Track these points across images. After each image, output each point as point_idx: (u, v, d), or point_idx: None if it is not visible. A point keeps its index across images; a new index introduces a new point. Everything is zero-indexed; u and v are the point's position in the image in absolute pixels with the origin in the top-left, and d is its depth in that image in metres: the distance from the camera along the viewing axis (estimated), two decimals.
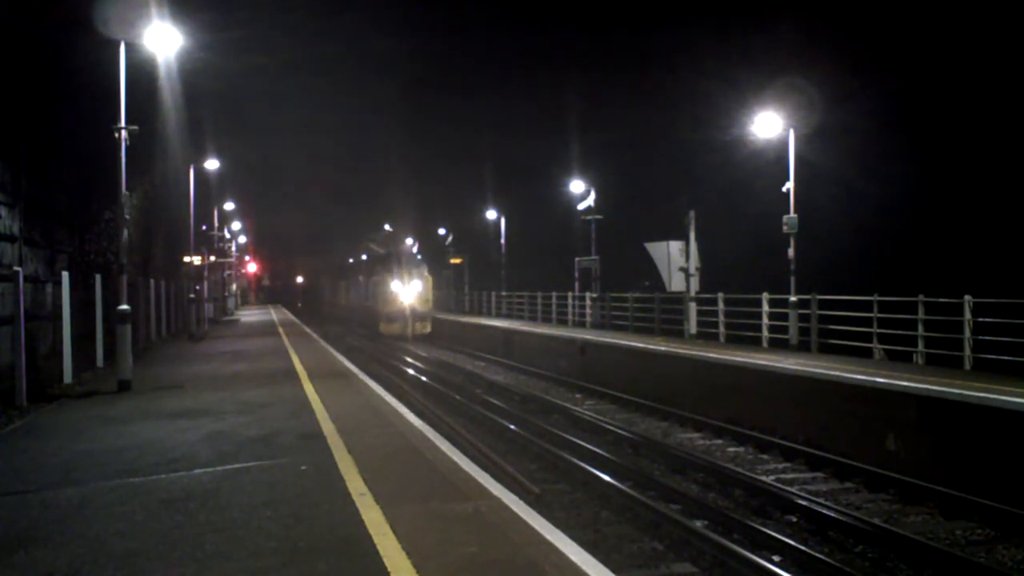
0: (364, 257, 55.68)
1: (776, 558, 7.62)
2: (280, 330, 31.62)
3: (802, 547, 7.81)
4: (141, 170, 21.79)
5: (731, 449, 12.68)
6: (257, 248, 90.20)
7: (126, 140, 13.65)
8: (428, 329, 37.11)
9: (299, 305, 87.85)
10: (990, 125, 32.52)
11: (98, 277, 16.78)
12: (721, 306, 20.54)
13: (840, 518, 8.66)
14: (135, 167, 16.94)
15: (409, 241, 51.77)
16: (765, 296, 19.34)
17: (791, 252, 19.45)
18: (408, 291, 36.71)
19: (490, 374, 23.26)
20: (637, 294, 25.47)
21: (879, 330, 16.00)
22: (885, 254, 32.64)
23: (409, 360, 27.55)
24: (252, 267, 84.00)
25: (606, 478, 10.22)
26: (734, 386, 15.03)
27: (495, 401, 17.30)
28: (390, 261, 38.30)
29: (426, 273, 38.28)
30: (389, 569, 4.78)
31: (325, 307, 68.52)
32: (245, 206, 62.90)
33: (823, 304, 18.07)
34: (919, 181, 33.56)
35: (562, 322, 30.08)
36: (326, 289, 69.94)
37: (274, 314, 51.79)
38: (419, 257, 42.24)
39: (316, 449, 8.20)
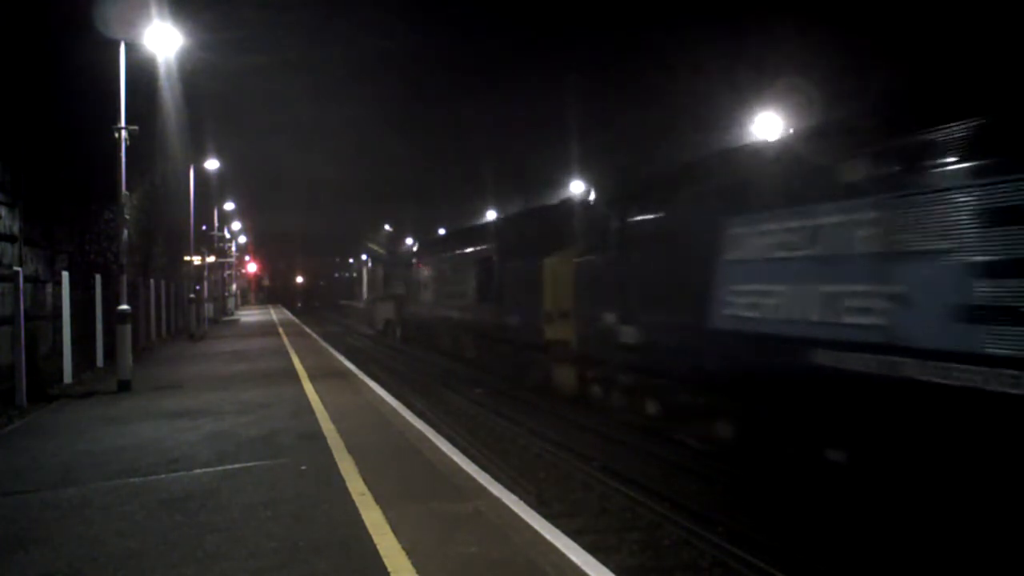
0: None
1: None
2: (280, 330, 31.61)
3: None
4: (141, 170, 21.81)
5: None
6: (257, 248, 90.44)
7: (126, 140, 13.66)
8: None
9: (298, 305, 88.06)
10: None
11: (98, 277, 16.78)
12: None
13: None
14: (135, 167, 16.95)
15: None
16: None
17: None
18: None
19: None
20: None
21: None
22: None
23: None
24: (252, 267, 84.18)
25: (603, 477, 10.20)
26: None
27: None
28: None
29: None
30: (389, 569, 4.77)
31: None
32: (245, 206, 63.07)
33: None
34: None
35: None
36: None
37: (274, 314, 51.84)
38: None
39: (316, 449, 8.19)
